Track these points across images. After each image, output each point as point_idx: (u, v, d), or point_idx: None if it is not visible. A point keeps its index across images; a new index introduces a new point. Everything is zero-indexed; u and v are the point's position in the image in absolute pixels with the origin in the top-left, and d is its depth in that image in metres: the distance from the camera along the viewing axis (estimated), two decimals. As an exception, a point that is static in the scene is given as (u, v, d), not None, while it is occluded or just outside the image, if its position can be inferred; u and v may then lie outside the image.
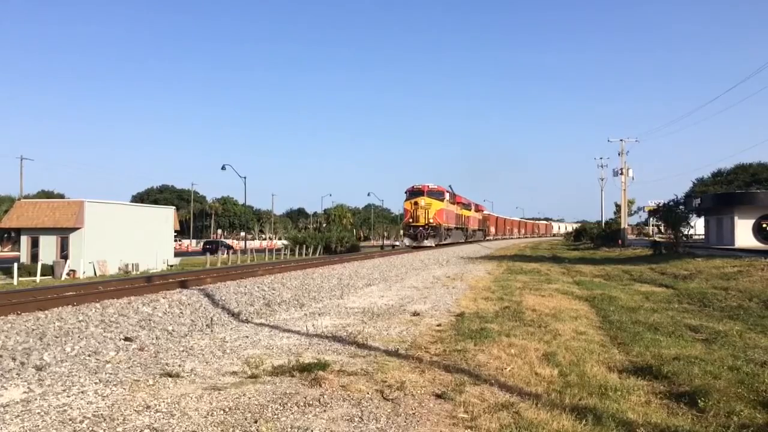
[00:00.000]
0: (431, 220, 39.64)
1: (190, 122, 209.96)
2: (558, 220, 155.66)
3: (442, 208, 41.03)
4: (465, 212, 52.41)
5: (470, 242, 55.08)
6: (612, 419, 4.36)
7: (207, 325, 8.37)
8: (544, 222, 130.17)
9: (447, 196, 42.99)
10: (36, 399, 4.72)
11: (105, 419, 4.25)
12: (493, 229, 75.14)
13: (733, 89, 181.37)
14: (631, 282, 16.95)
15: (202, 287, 11.37)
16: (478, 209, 62.47)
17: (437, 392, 5.06)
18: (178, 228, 38.92)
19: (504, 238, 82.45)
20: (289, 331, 8.09)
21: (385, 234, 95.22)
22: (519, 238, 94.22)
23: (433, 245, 39.06)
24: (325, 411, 4.53)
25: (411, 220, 40.23)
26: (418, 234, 39.39)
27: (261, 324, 8.67)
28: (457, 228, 47.88)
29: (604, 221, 65.84)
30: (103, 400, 4.72)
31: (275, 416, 4.39)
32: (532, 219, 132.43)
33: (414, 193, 41.39)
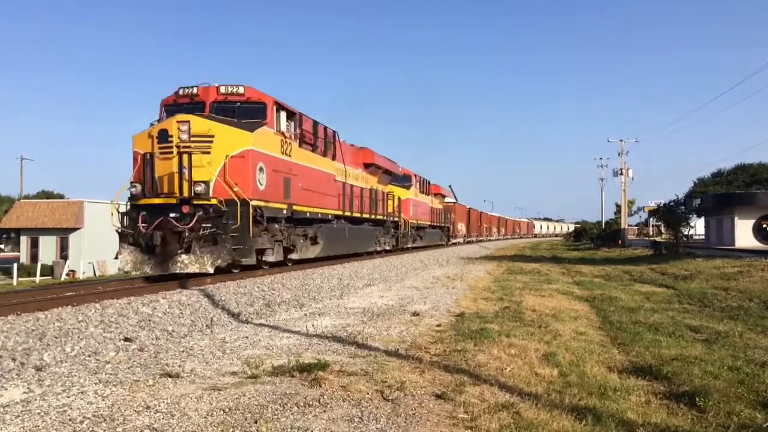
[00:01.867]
0: (205, 186, 11.70)
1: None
2: (558, 220, 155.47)
3: (273, 158, 13.47)
4: (395, 190, 26.83)
5: (412, 250, 30.24)
6: (612, 419, 4.36)
7: (207, 326, 8.36)
8: (525, 221, 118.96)
9: (299, 125, 15.08)
10: (36, 399, 4.72)
11: (105, 419, 4.25)
12: (462, 227, 50.35)
13: (733, 89, 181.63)
14: (632, 282, 16.94)
15: (202, 287, 11.35)
16: (432, 191, 36.56)
17: (437, 392, 5.06)
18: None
19: (480, 240, 60.51)
20: (289, 331, 8.09)
21: None
22: (498, 239, 74.02)
23: (209, 269, 11.46)
24: (325, 411, 4.53)
25: (139, 187, 12.07)
26: (154, 231, 11.57)
27: (261, 324, 8.67)
28: (368, 221, 22.21)
29: (604, 221, 65.88)
30: (103, 400, 4.71)
31: (275, 416, 4.39)
32: (530, 218, 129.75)
33: (175, 108, 13.07)
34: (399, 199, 27.42)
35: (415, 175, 31.59)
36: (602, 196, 66.23)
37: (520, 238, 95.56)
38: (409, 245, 30.05)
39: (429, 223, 35.11)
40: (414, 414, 4.52)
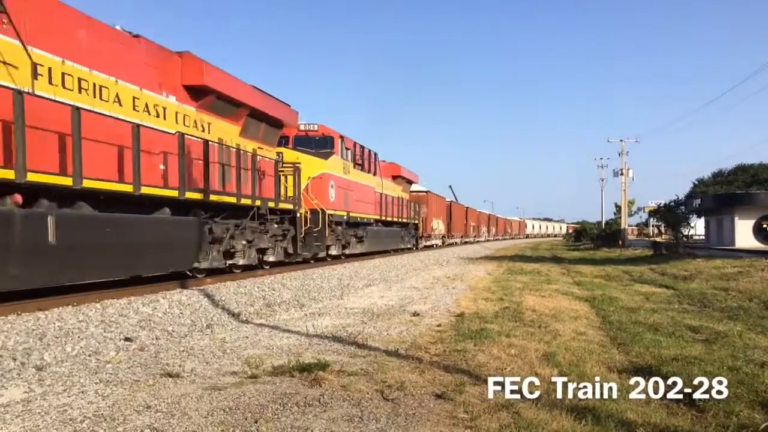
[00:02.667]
0: None
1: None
2: (558, 221, 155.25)
3: None
4: (302, 159, 16.70)
5: (346, 259, 20.19)
6: (611, 419, 4.37)
7: (207, 326, 8.38)
8: (517, 220, 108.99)
9: None
10: (36, 399, 4.73)
11: (105, 419, 4.26)
12: (439, 225, 39.05)
13: (733, 89, 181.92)
14: (632, 282, 16.93)
15: (202, 287, 11.37)
16: (387, 173, 27.50)
17: (437, 392, 5.06)
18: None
19: (466, 242, 51.03)
20: (289, 331, 8.10)
21: None
22: (488, 240, 65.23)
23: None
24: (325, 411, 4.54)
25: None
26: None
27: (261, 324, 8.68)
28: (196, 205, 11.10)
29: (604, 221, 65.93)
30: (104, 400, 4.72)
31: (275, 416, 4.39)
32: (522, 218, 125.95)
33: None
34: (298, 170, 15.70)
35: (343, 138, 19.61)
36: (602, 196, 66.43)
37: (512, 238, 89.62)
38: (332, 252, 18.83)
39: (377, 216, 23.58)
40: (414, 414, 4.53)
